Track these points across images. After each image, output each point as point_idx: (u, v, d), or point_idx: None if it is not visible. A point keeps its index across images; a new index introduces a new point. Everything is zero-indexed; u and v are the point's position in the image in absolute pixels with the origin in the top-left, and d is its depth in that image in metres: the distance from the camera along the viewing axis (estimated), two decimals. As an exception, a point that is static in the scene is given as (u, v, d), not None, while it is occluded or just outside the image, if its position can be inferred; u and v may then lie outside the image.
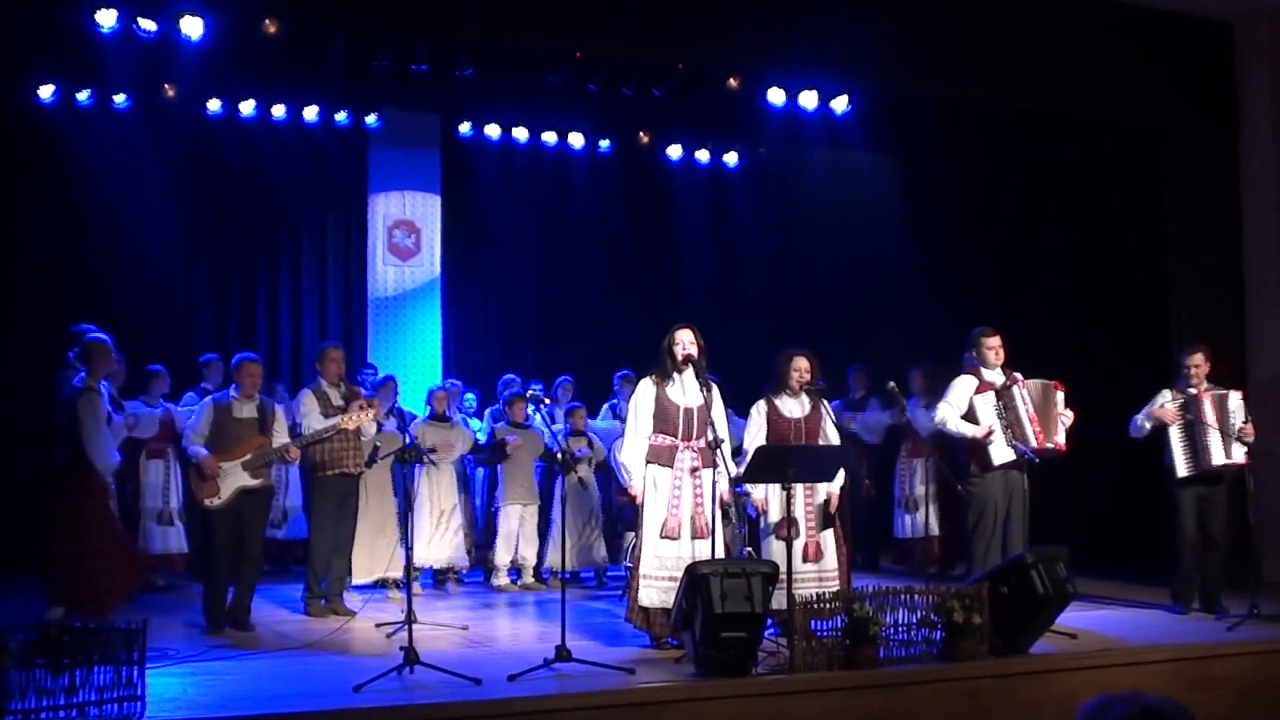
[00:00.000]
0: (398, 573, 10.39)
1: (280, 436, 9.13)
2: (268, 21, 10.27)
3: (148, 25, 10.44)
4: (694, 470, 7.95)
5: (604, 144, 15.15)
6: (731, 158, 15.88)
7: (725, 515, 9.10)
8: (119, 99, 12.64)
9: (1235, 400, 9.52)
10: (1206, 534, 9.42)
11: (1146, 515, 9.85)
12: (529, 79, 12.08)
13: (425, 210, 14.75)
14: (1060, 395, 9.04)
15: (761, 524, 8.39)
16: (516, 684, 6.72)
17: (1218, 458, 9.31)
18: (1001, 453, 8.94)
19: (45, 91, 12.37)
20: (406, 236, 14.63)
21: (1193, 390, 9.50)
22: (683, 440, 7.98)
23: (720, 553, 7.87)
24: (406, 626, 7.33)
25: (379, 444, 9.92)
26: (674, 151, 15.40)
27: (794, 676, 6.91)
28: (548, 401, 11.89)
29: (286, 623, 9.23)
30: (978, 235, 13.37)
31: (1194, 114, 11.56)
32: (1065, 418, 9.01)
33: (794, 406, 8.43)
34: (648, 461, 7.99)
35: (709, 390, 7.98)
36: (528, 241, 15.24)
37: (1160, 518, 9.62)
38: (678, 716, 6.57)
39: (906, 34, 10.62)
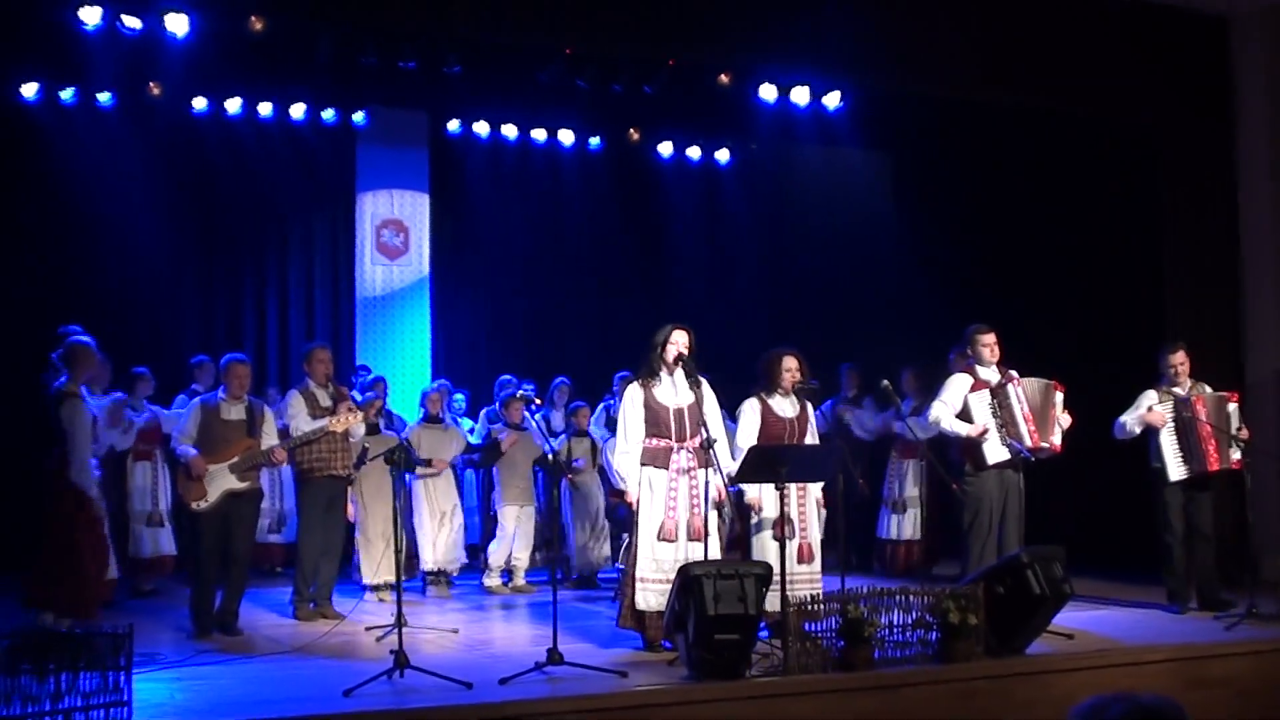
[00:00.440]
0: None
1: (269, 439, 9.12)
2: (253, 18, 10.26)
3: (132, 22, 10.43)
4: (689, 471, 7.95)
5: (594, 141, 15.15)
6: (723, 155, 15.89)
7: (720, 513, 9.10)
8: (103, 97, 12.62)
9: (1231, 405, 9.54)
10: (1196, 531, 9.46)
11: (1144, 514, 9.84)
12: (518, 76, 12.09)
13: (414, 209, 14.74)
14: (1060, 396, 9.05)
15: (754, 522, 8.39)
16: (508, 687, 6.72)
17: (1214, 462, 9.34)
18: (996, 451, 8.95)
19: (29, 90, 12.35)
20: (395, 236, 14.62)
21: (1179, 390, 9.51)
22: (676, 441, 7.98)
23: (715, 553, 7.87)
24: (396, 630, 7.33)
25: (368, 445, 9.91)
26: (665, 149, 15.40)
27: (788, 679, 6.91)
28: (539, 402, 11.87)
29: (275, 627, 9.21)
30: (972, 233, 13.38)
31: (1190, 111, 11.58)
32: (1063, 420, 9.02)
33: (786, 406, 8.43)
34: (643, 464, 7.97)
35: (699, 388, 7.98)
36: (517, 240, 15.23)
37: (1156, 516, 9.61)
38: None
39: (899, 29, 10.63)
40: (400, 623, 7.37)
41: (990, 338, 9.16)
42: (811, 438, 8.48)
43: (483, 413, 12.32)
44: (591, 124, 14.78)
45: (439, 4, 9.66)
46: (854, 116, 12.67)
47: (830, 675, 6.99)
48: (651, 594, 7.80)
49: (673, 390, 8.03)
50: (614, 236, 15.49)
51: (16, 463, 10.39)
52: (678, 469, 7.94)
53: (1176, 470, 9.42)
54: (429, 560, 10.86)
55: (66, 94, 12.51)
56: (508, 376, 12.51)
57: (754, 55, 10.82)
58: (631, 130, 14.97)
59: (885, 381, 9.35)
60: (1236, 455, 9.45)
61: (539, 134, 14.83)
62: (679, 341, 8.04)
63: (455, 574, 11.12)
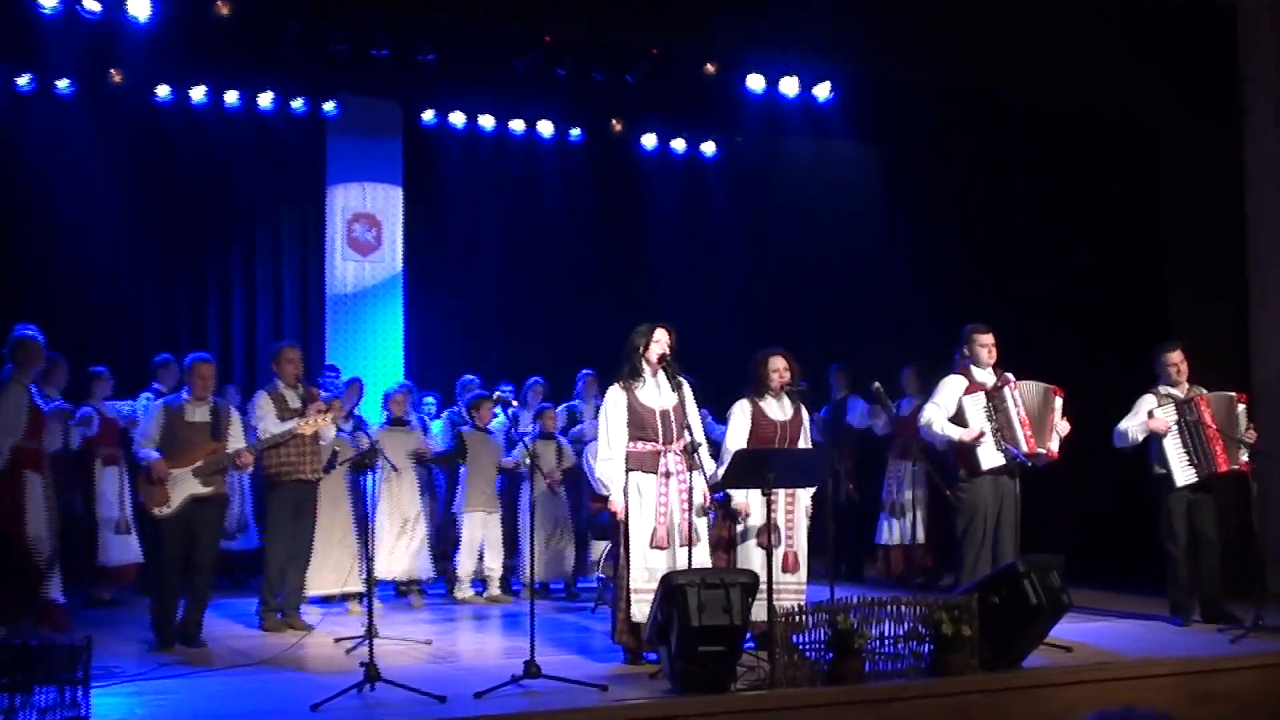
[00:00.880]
0: (356, 586, 10.36)
1: (235, 441, 9.08)
2: (219, 2, 10.23)
3: (92, 6, 10.39)
4: (678, 474, 7.94)
5: (574, 132, 15.13)
6: (708, 147, 15.89)
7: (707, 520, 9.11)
8: (62, 84, 12.54)
9: (1240, 406, 9.55)
10: (1200, 537, 9.46)
11: (1145, 521, 9.85)
12: (495, 64, 12.06)
13: (386, 202, 14.71)
14: (1060, 402, 9.03)
15: (740, 529, 8.39)
16: (483, 701, 6.70)
17: (1223, 463, 9.34)
18: (991, 457, 8.95)
19: (-17, 76, 12.30)
20: (366, 230, 14.59)
21: (1178, 392, 9.53)
22: (663, 444, 7.96)
23: (706, 561, 7.86)
24: (367, 641, 7.31)
25: (338, 449, 9.89)
26: (648, 140, 15.39)
27: (775, 692, 6.91)
28: (515, 404, 11.87)
29: (240, 638, 9.18)
30: (967, 230, 13.38)
31: (1194, 104, 11.57)
32: (1061, 427, 9.02)
33: (778, 409, 8.43)
34: (630, 469, 7.93)
35: (681, 389, 7.97)
36: (494, 235, 15.21)
37: (1157, 525, 9.62)
38: (653, 734, 6.57)
39: (893, 18, 10.63)
40: (371, 634, 7.36)
41: (988, 338, 9.14)
42: (805, 442, 8.47)
43: (445, 414, 12.31)
44: (571, 114, 14.76)
45: (413, -12, 9.66)
46: (845, 108, 12.66)
47: (818, 689, 6.99)
48: (647, 605, 7.70)
49: (656, 391, 8.01)
50: (594, 232, 15.48)
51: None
52: (666, 473, 7.93)
53: (1183, 474, 9.41)
54: (383, 570, 10.78)
55: (23, 81, 12.42)
56: (470, 377, 12.52)
57: (741, 43, 10.82)
58: (613, 121, 14.95)
59: (877, 383, 9.37)
60: (1244, 457, 9.45)
61: (517, 125, 14.81)
62: (662, 341, 8.02)
63: (427, 584, 11.10)
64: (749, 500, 8.26)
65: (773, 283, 15.70)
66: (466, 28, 11.07)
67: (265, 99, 13.52)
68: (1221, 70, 11.67)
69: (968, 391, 9.05)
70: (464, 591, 11.12)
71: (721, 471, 7.89)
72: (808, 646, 7.16)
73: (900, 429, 11.89)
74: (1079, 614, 8.83)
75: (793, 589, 8.13)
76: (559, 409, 12.08)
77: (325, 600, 10.46)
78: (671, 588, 6.89)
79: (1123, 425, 9.56)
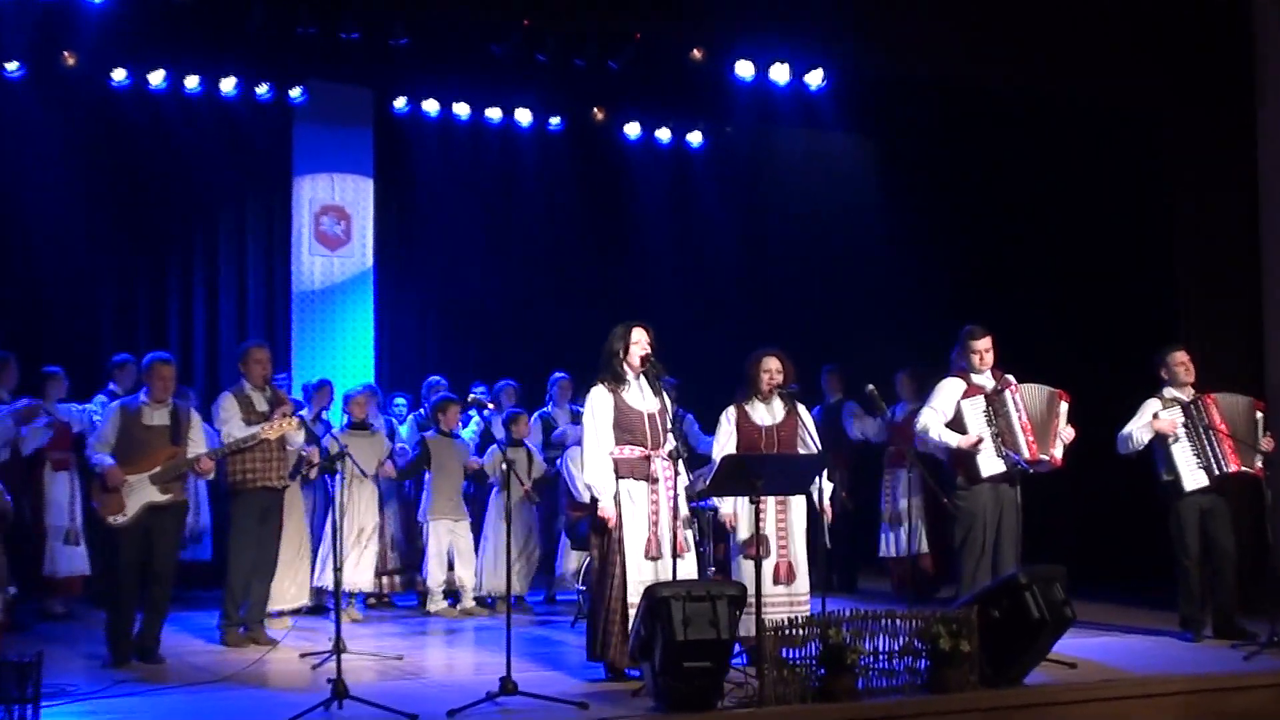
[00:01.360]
0: (313, 599, 10.37)
1: (195, 446, 9.03)
2: (180, -18, 10.20)
3: (45, -16, 10.35)
4: (666, 480, 7.92)
5: (554, 121, 15.10)
6: (695, 137, 15.88)
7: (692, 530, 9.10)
8: (11, 66, 12.44)
9: (1257, 412, 9.55)
10: (1214, 548, 9.45)
11: (1153, 530, 9.86)
12: (471, 49, 12.03)
13: (356, 195, 14.66)
14: (1065, 406, 9.03)
15: (730, 542, 8.39)
16: (457, 719, 6.68)
17: (1234, 461, 9.32)
18: (990, 463, 8.95)
19: (-73, 59, 12.24)
20: (335, 224, 14.55)
21: (1183, 394, 9.53)
22: (651, 448, 7.95)
23: (691, 571, 7.85)
24: (334, 657, 7.29)
25: (304, 454, 9.86)
26: (632, 130, 15.38)
27: (764, 710, 6.91)
28: (491, 406, 11.84)
29: (201, 653, 9.16)
30: (965, 226, 13.41)
31: (1203, 87, 11.58)
32: (1065, 434, 9.01)
33: (765, 413, 8.43)
34: (619, 476, 7.90)
35: (663, 396, 7.95)
36: (470, 229, 15.18)
37: (1167, 534, 9.63)
38: (635, 755, 6.57)
39: (888, 2, 10.64)
40: (339, 649, 7.34)
41: (983, 344, 9.10)
42: (803, 446, 8.46)
43: (410, 418, 12.29)
44: (551, 102, 14.73)
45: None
46: (839, 98, 12.67)
47: (809, 706, 6.99)
48: None
49: (640, 395, 8.00)
50: (575, 226, 15.46)
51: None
52: (655, 479, 7.91)
53: (1192, 478, 9.40)
54: (348, 581, 10.73)
55: (-30, 64, 12.39)
56: (437, 378, 12.50)
57: (730, 28, 10.82)
58: (595, 110, 14.93)
59: (871, 386, 9.35)
60: (1260, 463, 9.45)
61: (494, 113, 14.78)
62: (640, 341, 8.00)
63: (396, 595, 11.09)
64: (736, 511, 8.26)
65: (762, 280, 15.69)
66: (441, 10, 11.05)
67: (228, 84, 13.45)
68: (1233, 60, 11.68)
69: (966, 395, 9.05)
70: (436, 604, 11.11)
71: (708, 479, 7.88)
72: (799, 661, 7.15)
73: (894, 435, 11.89)
74: (1083, 628, 8.86)
75: (785, 600, 8.13)
76: (533, 418, 12.05)
77: (292, 613, 10.43)
78: (655, 600, 6.87)
79: (1126, 429, 9.55)
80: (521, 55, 11.92)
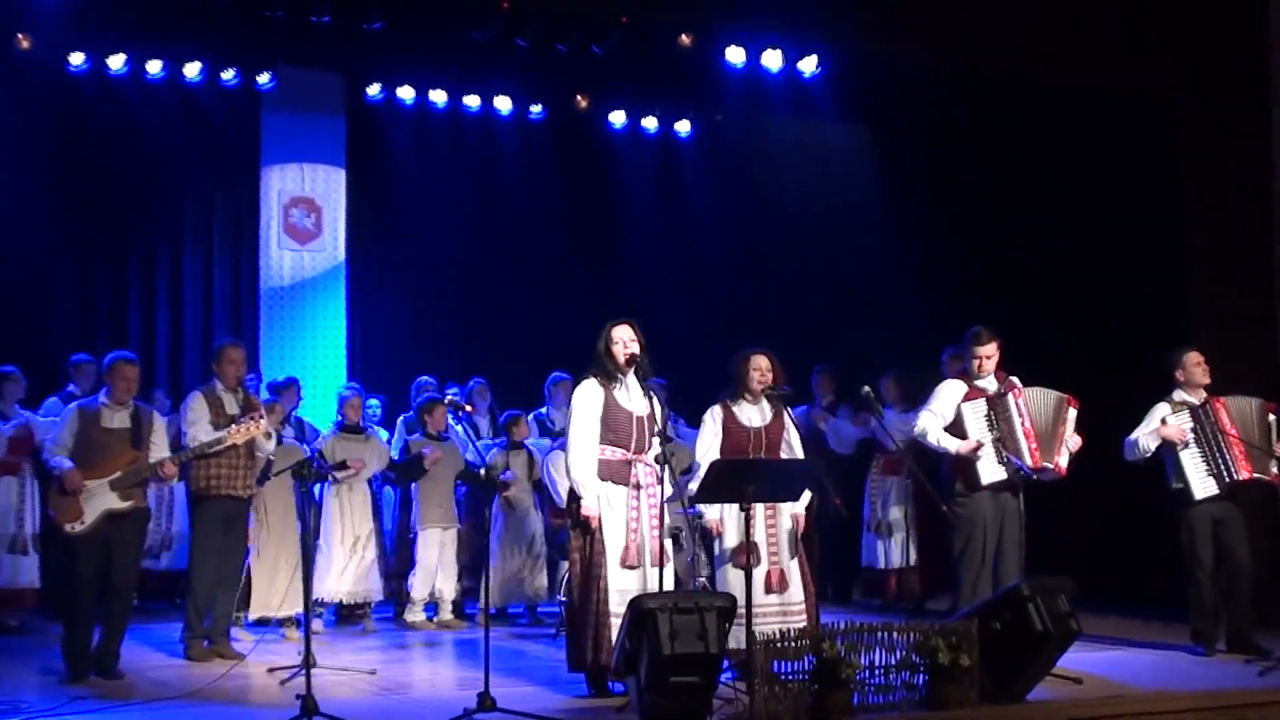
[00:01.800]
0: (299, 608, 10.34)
1: (158, 450, 8.98)
2: (142, -39, 10.18)
3: (-1, -36, 10.32)
4: (649, 488, 7.92)
5: (535, 109, 15.09)
6: (683, 126, 15.88)
7: (676, 541, 9.07)
8: (-37, 51, 12.47)
9: (1269, 415, 9.55)
10: (1228, 558, 9.44)
11: (1163, 539, 9.85)
12: (449, 33, 12.04)
13: (327, 186, 14.67)
14: (1073, 413, 8.98)
15: (717, 550, 8.38)
16: (432, 738, 6.71)
17: (1245, 468, 9.31)
18: (991, 470, 8.94)
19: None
20: (305, 216, 14.54)
21: (1193, 399, 9.52)
22: (635, 453, 7.94)
23: (670, 583, 7.84)
24: (304, 671, 7.26)
25: (273, 458, 9.83)
26: (616, 118, 15.38)
27: (755, 727, 6.91)
28: (469, 408, 11.82)
29: (163, 668, 9.12)
30: (965, 220, 13.43)
31: (1214, 78, 11.61)
32: (1072, 442, 8.97)
33: (754, 414, 8.42)
34: (601, 478, 7.90)
35: (652, 399, 7.93)
36: (446, 222, 15.16)
37: (1178, 543, 9.61)
38: (620, 775, 6.57)
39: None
40: (309, 663, 7.31)
41: (987, 349, 9.04)
42: (788, 450, 8.46)
43: (399, 420, 12.26)
44: (533, 89, 14.73)
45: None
46: (833, 85, 12.66)
47: (803, 724, 6.99)
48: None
49: (630, 396, 7.99)
50: (558, 218, 15.46)
51: None
52: (636, 485, 7.90)
53: (1202, 486, 9.39)
54: (331, 591, 10.75)
55: (-80, 47, 12.35)
56: (427, 378, 12.48)
57: (719, 12, 10.82)
58: (579, 97, 14.92)
59: (866, 388, 9.35)
60: (1275, 469, 9.46)
61: (472, 100, 14.76)
62: (623, 339, 7.98)
63: (372, 606, 11.07)
64: (723, 518, 8.25)
65: (753, 276, 15.69)
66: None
67: (192, 70, 13.41)
68: (1246, 54, 11.69)
69: (967, 398, 9.03)
70: (415, 614, 11.09)
71: (695, 484, 7.86)
72: (791, 677, 7.14)
73: (880, 443, 11.88)
74: (1089, 642, 8.87)
75: (778, 610, 8.12)
76: (529, 418, 12.05)
77: (280, 623, 10.39)
78: (640, 612, 6.86)
79: (1133, 436, 9.54)
80: (501, 40, 11.92)
